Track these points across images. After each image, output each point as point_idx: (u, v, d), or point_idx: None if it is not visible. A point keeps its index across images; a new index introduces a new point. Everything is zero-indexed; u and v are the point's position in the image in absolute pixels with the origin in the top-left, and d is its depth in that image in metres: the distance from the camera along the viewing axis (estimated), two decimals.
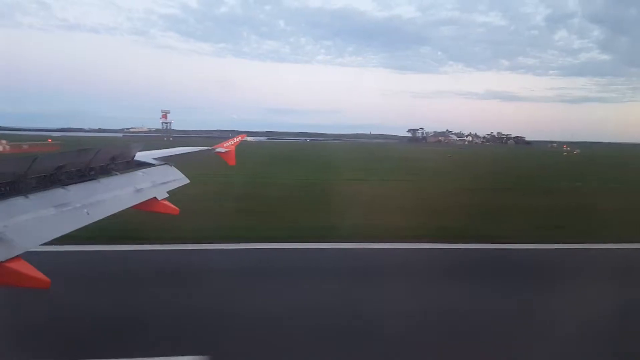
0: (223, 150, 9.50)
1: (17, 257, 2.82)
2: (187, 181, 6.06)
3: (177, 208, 5.25)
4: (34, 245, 3.06)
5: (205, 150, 9.15)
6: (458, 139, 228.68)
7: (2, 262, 2.70)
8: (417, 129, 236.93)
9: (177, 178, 5.93)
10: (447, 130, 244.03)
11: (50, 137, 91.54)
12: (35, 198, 3.39)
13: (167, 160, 6.28)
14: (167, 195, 5.35)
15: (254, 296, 7.17)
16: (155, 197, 5.06)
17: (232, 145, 9.81)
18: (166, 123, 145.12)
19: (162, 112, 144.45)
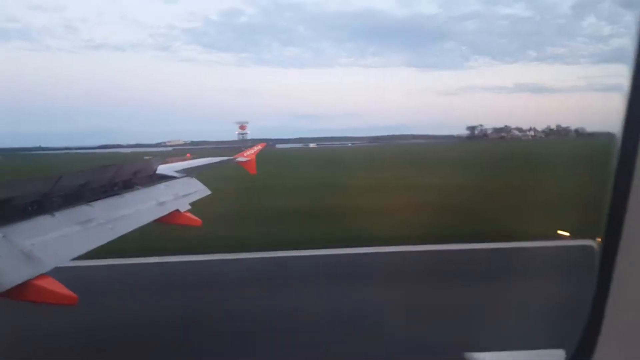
0: (244, 159, 9.58)
1: (45, 274, 2.88)
2: (209, 192, 6.11)
3: (199, 219, 5.28)
4: (61, 262, 3.12)
5: (226, 160, 9.25)
6: (521, 134, 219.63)
7: (30, 280, 2.76)
8: (476, 126, 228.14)
9: (198, 190, 5.99)
10: (505, 125, 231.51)
11: (93, 154, 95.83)
12: (61, 216, 3.46)
13: (189, 172, 6.35)
14: (189, 207, 5.40)
15: None
16: (177, 210, 5.11)
17: (252, 154, 9.88)
18: (242, 134, 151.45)
19: (239, 124, 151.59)
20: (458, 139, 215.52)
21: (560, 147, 74.61)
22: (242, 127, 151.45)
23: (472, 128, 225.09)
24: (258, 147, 10.17)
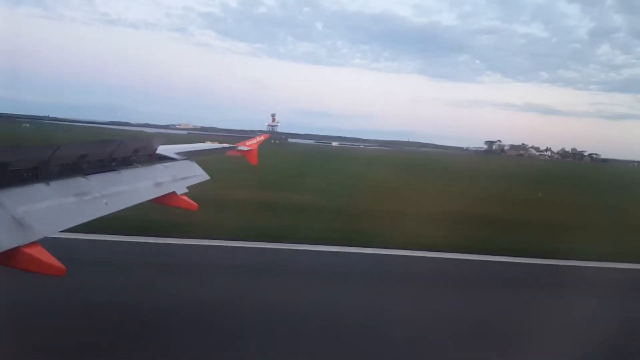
0: (246, 148, 9.51)
1: (35, 242, 2.85)
2: (207, 177, 6.07)
3: (195, 204, 5.25)
4: (52, 232, 3.09)
5: (227, 147, 9.19)
6: (538, 153, 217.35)
7: (19, 246, 2.74)
8: (495, 142, 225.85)
9: (197, 174, 5.95)
10: (522, 143, 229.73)
11: (106, 130, 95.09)
12: (56, 185, 3.43)
13: (189, 156, 6.31)
14: (187, 190, 5.36)
15: None
16: (174, 192, 5.08)
17: (254, 144, 9.80)
18: (272, 126, 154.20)
19: (272, 115, 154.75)
20: (475, 152, 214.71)
21: (591, 171, 78.49)
22: (272, 119, 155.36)
23: (490, 143, 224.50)
24: (261, 138, 10.09)
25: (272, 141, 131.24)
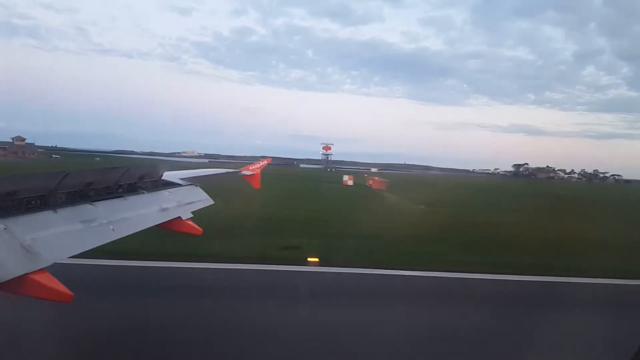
0: (249, 173, 9.59)
1: (42, 269, 2.86)
2: (212, 202, 6.10)
3: (200, 228, 5.26)
4: (60, 258, 3.10)
5: (231, 172, 9.27)
6: (566, 175, 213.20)
7: (27, 273, 2.74)
8: (522, 165, 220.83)
9: (202, 199, 5.98)
10: (547, 166, 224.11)
11: (125, 159, 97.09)
12: (64, 212, 3.46)
13: (193, 181, 6.37)
14: (192, 215, 5.38)
15: None
16: (179, 217, 5.10)
17: (257, 168, 9.89)
18: (326, 155, 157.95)
19: (323, 145, 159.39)
20: (503, 175, 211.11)
21: (626, 192, 77.13)
22: (325, 148, 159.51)
23: (517, 166, 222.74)
24: (264, 162, 10.19)
25: (329, 170, 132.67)
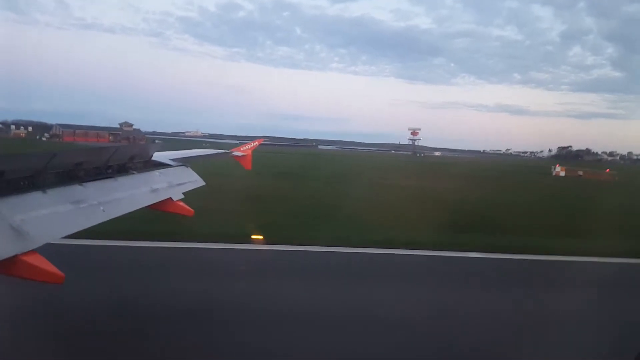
0: (240, 154, 9.53)
1: (33, 251, 2.84)
2: (203, 183, 6.07)
3: (191, 209, 5.25)
4: (50, 239, 3.07)
5: (222, 153, 9.21)
6: (611, 158, 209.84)
7: (17, 255, 2.72)
8: (566, 147, 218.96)
9: (192, 180, 5.94)
10: (586, 148, 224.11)
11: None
12: (53, 193, 3.42)
13: (184, 162, 6.31)
14: (183, 196, 5.36)
15: None
16: (170, 198, 5.07)
17: (249, 149, 9.83)
18: (413, 139, 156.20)
19: (411, 130, 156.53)
20: (542, 158, 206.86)
21: None
22: (414, 133, 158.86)
23: (563, 149, 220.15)
24: (255, 143, 10.13)
25: (418, 154, 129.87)
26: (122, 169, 4.71)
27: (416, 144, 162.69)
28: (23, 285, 3.17)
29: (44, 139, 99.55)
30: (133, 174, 4.80)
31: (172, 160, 6.09)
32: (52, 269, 2.86)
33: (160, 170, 5.42)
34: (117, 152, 4.52)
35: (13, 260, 2.69)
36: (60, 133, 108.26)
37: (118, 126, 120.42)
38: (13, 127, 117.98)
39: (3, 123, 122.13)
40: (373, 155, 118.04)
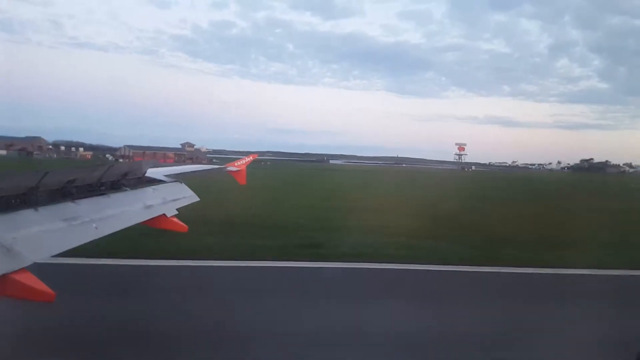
0: (234, 169, 9.54)
1: (23, 269, 2.81)
2: (197, 199, 6.06)
3: (185, 225, 5.23)
4: (42, 258, 3.05)
5: (216, 168, 9.22)
6: (632, 170, 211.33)
7: (8, 273, 2.70)
8: (589, 160, 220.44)
9: (187, 195, 5.93)
10: (606, 160, 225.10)
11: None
12: (45, 211, 3.41)
13: (178, 178, 6.31)
14: (177, 212, 5.34)
15: None
16: (164, 214, 5.06)
17: (243, 164, 9.85)
18: (459, 155, 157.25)
19: (458, 145, 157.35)
20: (564, 171, 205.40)
21: None
22: (460, 148, 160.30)
23: (586, 161, 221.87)
24: (249, 158, 10.15)
25: (465, 169, 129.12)
26: (116, 186, 4.71)
27: (462, 159, 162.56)
28: (12, 304, 3.12)
29: (112, 159, 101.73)
30: (126, 190, 4.80)
31: (166, 176, 6.09)
32: (43, 287, 2.84)
33: (153, 187, 5.42)
34: (110, 169, 4.53)
35: (3, 279, 2.67)
36: (130, 154, 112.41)
37: (180, 147, 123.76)
38: (81, 149, 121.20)
39: (68, 145, 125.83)
40: (400, 170, 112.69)
